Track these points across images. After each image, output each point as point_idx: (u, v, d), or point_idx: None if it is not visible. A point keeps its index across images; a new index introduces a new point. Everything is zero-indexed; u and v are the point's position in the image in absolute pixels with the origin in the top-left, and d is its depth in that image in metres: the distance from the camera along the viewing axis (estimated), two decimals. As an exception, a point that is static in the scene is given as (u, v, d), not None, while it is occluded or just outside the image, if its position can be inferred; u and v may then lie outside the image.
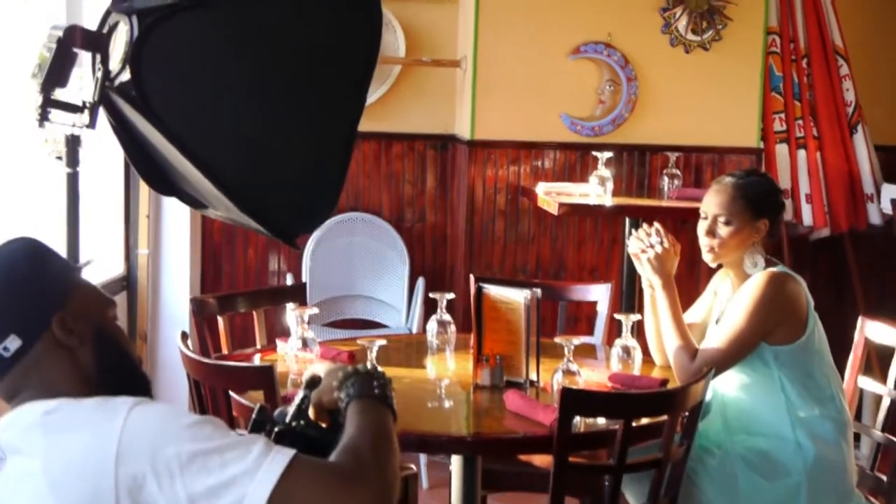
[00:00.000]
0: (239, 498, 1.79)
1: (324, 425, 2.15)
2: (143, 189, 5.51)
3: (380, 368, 3.08)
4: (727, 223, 3.53)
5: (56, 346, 1.98)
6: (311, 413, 2.17)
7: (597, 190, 5.10)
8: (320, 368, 2.24)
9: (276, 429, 2.10)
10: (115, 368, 2.04)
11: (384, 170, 5.97)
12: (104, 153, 5.01)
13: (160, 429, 1.83)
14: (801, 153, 5.84)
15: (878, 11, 6.27)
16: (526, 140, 5.62)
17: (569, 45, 5.56)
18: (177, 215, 5.64)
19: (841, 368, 3.68)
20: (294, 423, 2.13)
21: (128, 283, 5.53)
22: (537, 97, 5.59)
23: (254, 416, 2.17)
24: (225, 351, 4.03)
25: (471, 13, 5.58)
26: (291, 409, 2.16)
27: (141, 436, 1.82)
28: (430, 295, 3.99)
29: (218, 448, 1.82)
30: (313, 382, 2.20)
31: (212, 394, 3.35)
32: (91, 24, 2.69)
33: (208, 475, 1.80)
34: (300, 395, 2.19)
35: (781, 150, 5.80)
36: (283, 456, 1.83)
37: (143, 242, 5.56)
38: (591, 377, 3.54)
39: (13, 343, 1.95)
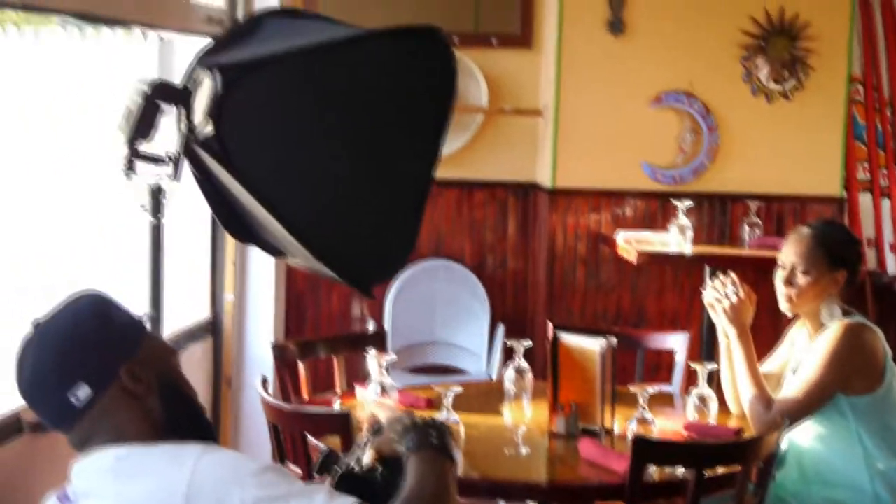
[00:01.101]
0: None
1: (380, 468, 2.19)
2: (230, 236, 5.61)
3: (446, 417, 3.14)
4: (805, 273, 3.53)
5: (124, 394, 2.05)
6: (369, 457, 2.22)
7: (677, 238, 5.11)
8: (383, 415, 2.31)
9: (339, 472, 2.15)
10: (182, 415, 2.10)
11: (466, 217, 6.03)
12: (193, 200, 5.12)
13: (227, 474, 1.91)
14: (885, 202, 5.81)
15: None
16: (606, 188, 5.65)
17: (650, 94, 5.59)
18: (262, 262, 5.73)
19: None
20: (356, 468, 2.18)
21: (214, 327, 5.62)
22: (618, 146, 5.62)
23: (321, 457, 2.24)
24: (305, 396, 4.09)
25: (552, 62, 5.64)
26: (355, 455, 2.22)
27: (209, 481, 1.89)
28: (507, 342, 4.02)
29: (283, 495, 1.89)
30: (377, 430, 2.26)
31: (291, 438, 3.42)
32: (180, 73, 2.79)
33: None
34: (363, 440, 2.25)
35: (865, 199, 5.78)
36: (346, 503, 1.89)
37: (230, 288, 5.65)
38: (667, 426, 3.55)
39: (83, 392, 2.01)
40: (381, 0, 5.88)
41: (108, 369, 2.04)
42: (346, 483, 2.12)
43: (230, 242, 5.63)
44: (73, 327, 2.06)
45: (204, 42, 5.12)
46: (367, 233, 2.65)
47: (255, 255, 5.74)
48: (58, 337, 2.05)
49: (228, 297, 5.65)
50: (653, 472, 3.11)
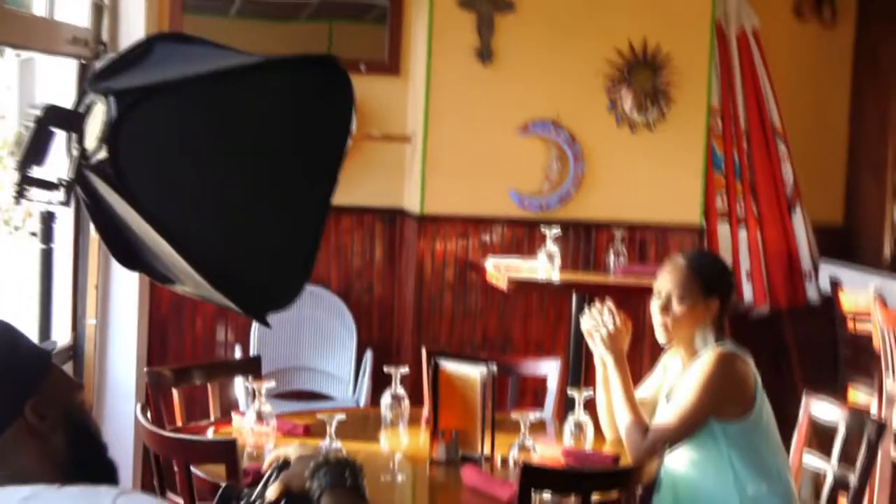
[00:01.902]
0: None
1: None
2: (92, 259, 5.52)
3: (328, 444, 3.13)
4: (680, 301, 3.62)
5: (28, 432, 1.96)
6: (273, 492, 2.20)
7: (545, 265, 5.19)
8: (292, 451, 2.29)
9: None
10: (86, 454, 2.03)
11: (333, 242, 6.02)
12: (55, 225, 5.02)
13: None
14: (742, 232, 6.00)
15: (815, 93, 6.47)
16: (474, 215, 5.71)
17: (517, 122, 5.68)
18: (125, 286, 5.64)
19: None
20: (258, 502, 2.17)
21: (74, 353, 5.51)
22: (486, 173, 5.69)
23: (221, 491, 2.22)
24: (179, 423, 4.04)
25: (421, 89, 5.68)
26: (258, 489, 2.20)
27: None
28: (385, 369, 4.03)
29: None
30: (284, 465, 2.25)
31: (171, 467, 3.37)
32: (45, 92, 2.73)
33: None
34: (268, 474, 2.23)
35: (723, 229, 5.95)
36: None
37: (92, 312, 5.55)
38: (545, 452, 3.60)
39: None
40: (231, 26, 5.89)
41: (11, 405, 1.95)
42: None
43: (93, 266, 5.54)
44: None
45: (69, 62, 5.08)
46: (264, 260, 2.63)
47: (118, 278, 5.65)
48: None
49: (90, 321, 5.55)
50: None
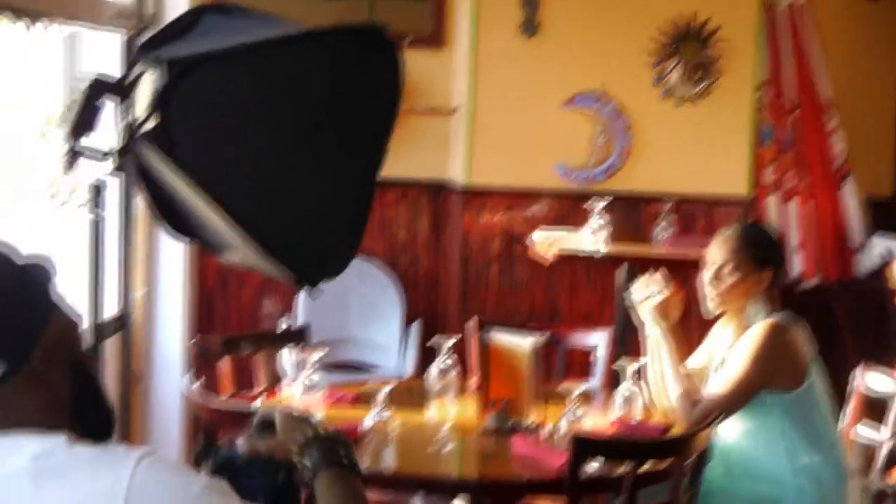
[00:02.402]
0: None
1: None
2: (140, 231, 5.56)
3: (378, 413, 3.11)
4: (732, 271, 3.60)
5: (31, 377, 1.85)
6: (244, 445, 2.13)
7: (590, 238, 5.17)
8: (277, 416, 2.18)
9: (219, 457, 2.10)
10: (87, 401, 1.94)
11: (378, 215, 6.02)
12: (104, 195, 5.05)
13: (167, 495, 1.76)
14: (791, 204, 5.94)
15: (865, 64, 6.39)
16: (520, 188, 5.69)
17: (563, 95, 5.65)
18: (173, 257, 5.68)
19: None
20: (238, 461, 2.10)
21: (123, 323, 5.55)
22: (532, 146, 5.67)
23: (200, 444, 2.16)
24: (228, 394, 4.06)
25: (466, 62, 5.66)
26: (239, 445, 2.13)
27: (150, 498, 1.75)
28: (431, 342, 4.02)
29: None
30: (265, 426, 2.16)
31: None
32: (89, 66, 2.74)
33: None
34: (249, 432, 2.16)
35: (771, 201, 5.90)
36: None
37: (139, 284, 5.59)
38: (594, 422, 3.59)
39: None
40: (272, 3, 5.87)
41: (23, 347, 1.85)
42: (225, 472, 2.03)
43: (141, 237, 5.58)
44: None
45: (114, 36, 5.10)
46: (315, 229, 2.63)
47: (166, 250, 5.69)
48: None
49: (138, 292, 5.59)
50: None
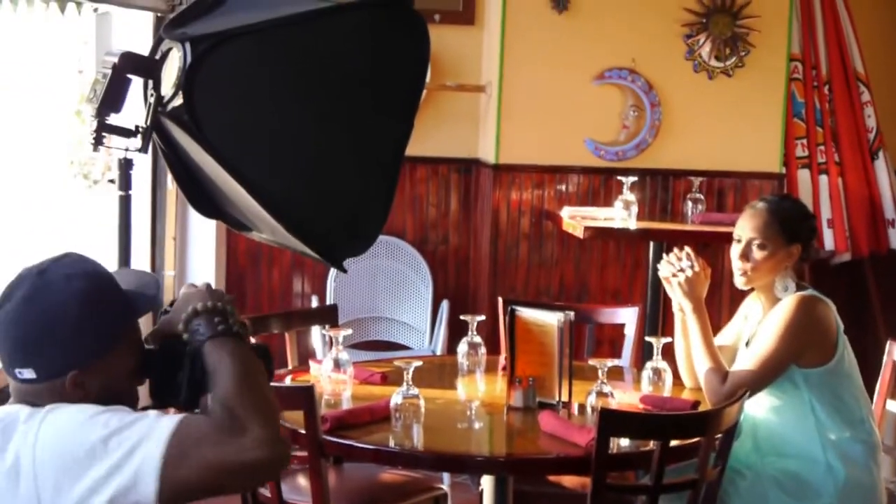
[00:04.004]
0: (138, 464, 1.93)
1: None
2: (170, 211, 5.57)
3: (406, 391, 3.13)
4: (762, 247, 3.58)
5: (59, 391, 2.07)
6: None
7: (621, 214, 5.15)
8: (181, 294, 2.26)
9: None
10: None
11: (408, 193, 6.02)
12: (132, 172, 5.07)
13: (64, 431, 1.97)
14: (823, 178, 5.90)
15: (898, 38, 6.33)
16: (550, 164, 5.67)
17: (593, 71, 5.62)
18: (203, 238, 5.70)
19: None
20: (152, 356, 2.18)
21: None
22: (561, 122, 5.64)
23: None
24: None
25: (496, 39, 5.64)
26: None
27: (50, 441, 1.97)
28: (461, 317, 4.03)
29: (116, 429, 1.95)
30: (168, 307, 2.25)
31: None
32: (121, 46, 2.75)
33: (112, 454, 1.94)
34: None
35: (803, 176, 5.86)
36: (170, 420, 1.97)
37: (170, 264, 5.61)
38: (623, 399, 3.58)
39: (28, 374, 2.05)
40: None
41: (59, 368, 2.05)
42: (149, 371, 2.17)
43: (171, 217, 5.59)
44: (53, 315, 2.05)
45: (144, 15, 5.11)
46: (340, 206, 2.63)
47: (196, 230, 5.71)
48: (36, 315, 2.05)
49: (169, 273, 5.61)
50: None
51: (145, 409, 2.13)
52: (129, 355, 2.14)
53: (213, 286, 2.24)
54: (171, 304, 2.23)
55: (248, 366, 2.08)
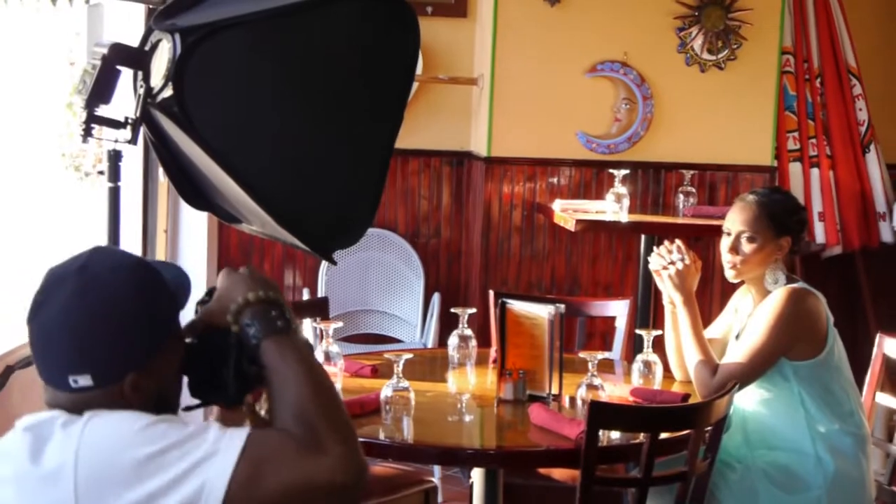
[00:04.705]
0: (201, 483, 1.78)
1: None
2: (161, 204, 5.56)
3: (396, 383, 3.11)
4: (751, 240, 3.58)
5: (118, 396, 1.91)
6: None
7: (613, 207, 5.15)
8: (219, 278, 2.11)
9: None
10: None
11: (400, 186, 6.02)
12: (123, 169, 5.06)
13: (113, 436, 1.82)
14: (814, 171, 5.91)
15: (890, 31, 6.34)
16: (542, 157, 5.68)
17: (585, 64, 5.62)
18: (194, 230, 5.69)
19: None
20: (194, 348, 2.03)
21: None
22: (553, 115, 5.64)
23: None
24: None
25: (488, 31, 5.64)
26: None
27: (94, 451, 1.82)
28: (452, 310, 4.03)
29: (175, 443, 1.80)
30: (209, 294, 2.09)
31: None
32: (113, 37, 2.75)
33: (169, 469, 1.79)
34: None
35: (795, 169, 5.86)
36: (238, 436, 1.81)
37: (161, 257, 5.60)
38: (613, 392, 3.58)
39: (84, 381, 1.89)
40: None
41: (119, 371, 1.90)
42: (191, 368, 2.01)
43: (162, 210, 5.58)
44: (110, 309, 1.90)
45: (136, 7, 5.10)
46: (330, 198, 2.62)
47: (187, 223, 5.70)
48: (90, 313, 1.90)
49: (161, 265, 5.59)
50: (600, 436, 3.14)
51: (188, 408, 2.02)
52: (177, 351, 1.99)
53: (207, 280, 2.16)
54: (209, 294, 2.07)
55: (321, 374, 1.93)
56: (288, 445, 1.81)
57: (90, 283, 1.91)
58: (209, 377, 1.99)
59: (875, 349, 3.89)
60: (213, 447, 1.80)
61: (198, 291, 2.11)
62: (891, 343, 3.87)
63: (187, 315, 2.04)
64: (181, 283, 2.08)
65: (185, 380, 2.04)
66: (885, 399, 3.87)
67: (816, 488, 3.48)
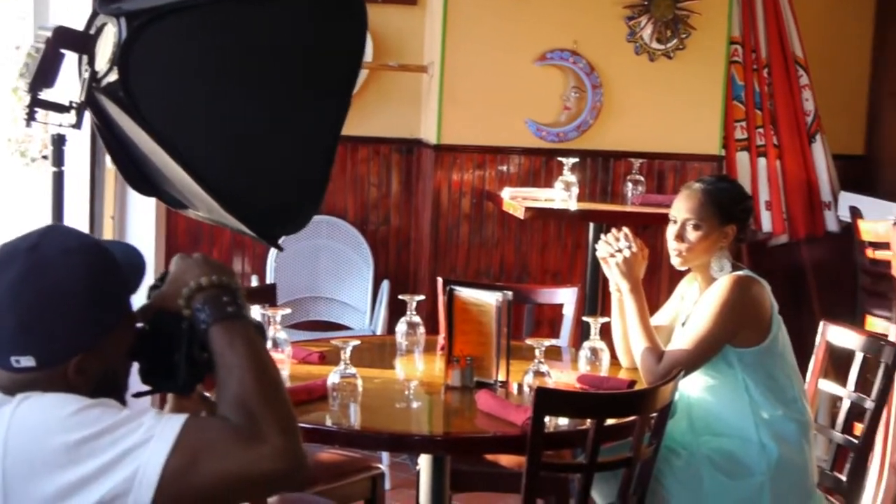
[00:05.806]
0: (133, 470, 1.76)
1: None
2: (108, 189, 5.52)
3: (343, 370, 3.10)
4: (696, 228, 3.60)
5: (61, 377, 1.88)
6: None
7: (562, 195, 5.17)
8: (172, 263, 2.07)
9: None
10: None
11: (349, 173, 6.01)
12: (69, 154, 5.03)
13: (44, 424, 1.80)
14: (761, 161, 5.96)
15: (838, 23, 6.40)
16: (491, 145, 5.69)
17: (535, 52, 5.63)
18: (142, 216, 5.65)
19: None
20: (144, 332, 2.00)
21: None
22: (503, 103, 5.66)
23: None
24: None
25: (438, 19, 5.64)
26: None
27: (24, 434, 1.80)
28: (400, 297, 4.03)
29: (107, 427, 1.78)
30: (161, 280, 2.05)
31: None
32: (58, 21, 2.73)
33: (101, 454, 1.76)
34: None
35: (742, 158, 5.92)
36: (175, 423, 1.79)
37: (109, 242, 5.56)
38: (560, 378, 3.60)
39: (27, 362, 1.86)
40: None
41: (61, 354, 1.88)
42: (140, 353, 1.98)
43: (109, 196, 5.54)
44: (58, 292, 1.88)
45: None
46: (276, 184, 2.61)
47: (135, 209, 5.66)
48: (36, 295, 1.87)
49: (107, 251, 5.56)
50: (546, 422, 3.15)
51: (138, 394, 1.99)
52: (126, 334, 1.96)
53: (154, 266, 2.14)
54: (162, 278, 2.03)
55: (266, 361, 1.90)
56: (226, 434, 1.79)
57: (39, 264, 1.88)
58: (160, 363, 1.96)
59: (819, 337, 3.93)
60: (147, 433, 1.77)
61: (146, 278, 2.08)
62: (834, 331, 3.91)
63: (140, 299, 2.02)
64: (135, 264, 2.05)
65: (136, 366, 2.02)
66: (828, 386, 3.91)
67: (760, 474, 3.51)
